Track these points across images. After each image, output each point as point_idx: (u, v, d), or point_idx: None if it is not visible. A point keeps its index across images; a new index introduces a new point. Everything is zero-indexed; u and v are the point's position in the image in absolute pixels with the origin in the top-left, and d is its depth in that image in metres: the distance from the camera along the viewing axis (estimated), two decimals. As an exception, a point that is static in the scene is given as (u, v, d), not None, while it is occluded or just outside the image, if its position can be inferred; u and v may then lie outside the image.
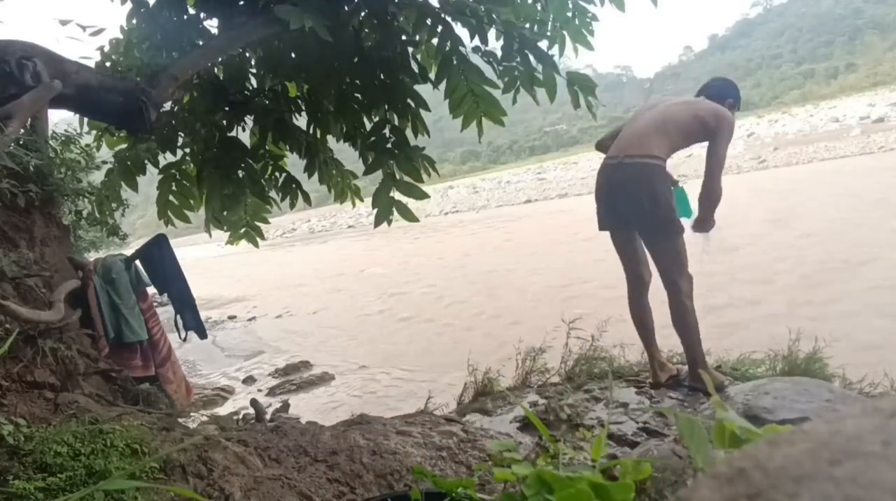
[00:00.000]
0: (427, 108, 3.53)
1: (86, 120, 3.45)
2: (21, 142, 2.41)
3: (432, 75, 3.45)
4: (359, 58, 3.49)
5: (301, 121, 3.94)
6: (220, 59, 3.72)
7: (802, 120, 41.99)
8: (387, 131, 3.55)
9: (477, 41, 3.14)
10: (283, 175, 4.00)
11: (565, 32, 3.46)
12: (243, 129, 3.90)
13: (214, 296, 12.40)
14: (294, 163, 4.08)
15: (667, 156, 2.40)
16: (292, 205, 4.07)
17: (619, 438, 2.22)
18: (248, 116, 3.83)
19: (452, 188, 46.57)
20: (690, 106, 2.52)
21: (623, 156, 2.42)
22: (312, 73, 3.68)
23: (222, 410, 4.82)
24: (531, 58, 3.16)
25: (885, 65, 64.15)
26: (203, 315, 3.35)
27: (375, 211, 3.62)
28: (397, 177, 3.56)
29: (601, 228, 2.61)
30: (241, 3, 3.46)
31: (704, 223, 2.47)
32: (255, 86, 3.97)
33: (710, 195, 2.39)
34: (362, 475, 1.80)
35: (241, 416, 4.10)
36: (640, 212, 2.38)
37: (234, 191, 3.79)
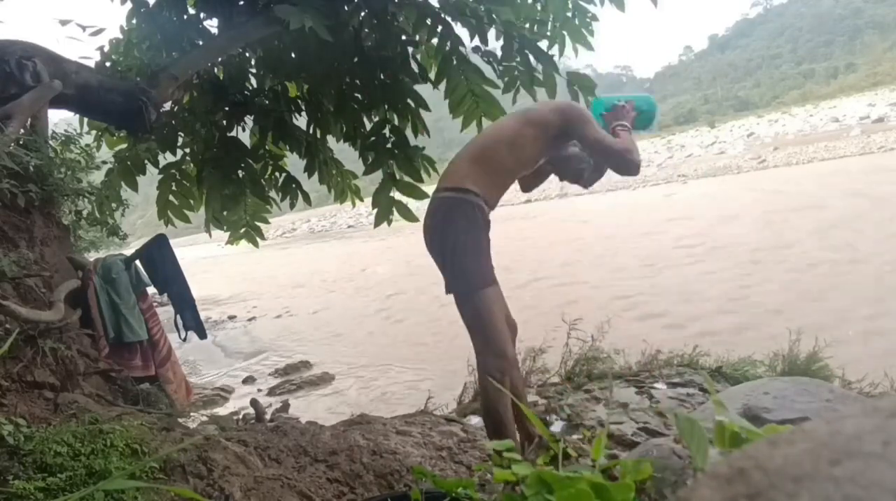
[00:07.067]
0: (427, 108, 3.52)
1: (86, 120, 3.45)
2: (21, 142, 2.40)
3: (432, 75, 3.45)
4: (359, 58, 3.49)
5: (301, 121, 3.94)
6: (220, 59, 3.72)
7: (802, 120, 42.02)
8: (387, 131, 3.55)
9: (477, 41, 3.14)
10: (283, 175, 4.00)
11: (565, 32, 3.46)
12: (243, 129, 3.90)
13: (214, 296, 12.40)
14: (294, 163, 4.08)
15: (487, 189, 1.79)
16: (292, 205, 4.07)
17: (619, 438, 2.22)
18: (248, 116, 3.83)
19: (452, 188, 46.39)
20: (518, 115, 1.98)
21: (436, 191, 1.87)
22: (312, 73, 3.68)
23: (222, 410, 4.82)
24: (531, 58, 3.16)
25: (885, 65, 64.11)
26: (203, 315, 3.35)
27: (375, 211, 3.62)
28: (397, 177, 3.56)
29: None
30: (241, 3, 3.46)
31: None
32: (255, 86, 3.97)
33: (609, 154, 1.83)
34: (362, 475, 1.80)
35: (241, 416, 4.10)
36: (438, 258, 1.82)
37: (234, 191, 3.78)
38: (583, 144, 1.88)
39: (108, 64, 3.36)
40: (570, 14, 3.42)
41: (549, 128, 1.84)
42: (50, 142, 2.75)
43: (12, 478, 1.26)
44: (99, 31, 3.33)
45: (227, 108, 3.81)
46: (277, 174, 4.01)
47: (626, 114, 1.97)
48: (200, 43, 3.56)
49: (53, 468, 1.32)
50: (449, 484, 0.80)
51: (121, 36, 3.49)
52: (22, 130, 2.49)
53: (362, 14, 3.51)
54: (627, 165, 1.81)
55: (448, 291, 1.78)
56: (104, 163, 3.43)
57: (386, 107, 3.54)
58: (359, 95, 3.62)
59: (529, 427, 1.92)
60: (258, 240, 4.14)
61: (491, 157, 1.83)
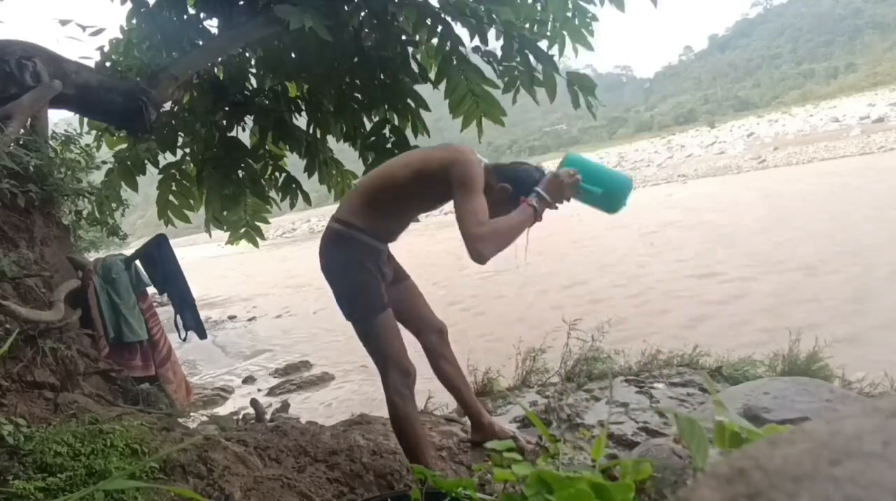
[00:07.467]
0: (427, 108, 3.52)
1: (86, 120, 3.45)
2: (21, 142, 2.40)
3: (432, 75, 3.45)
4: (359, 58, 3.49)
5: (301, 121, 3.94)
6: (220, 59, 3.72)
7: (802, 120, 42.07)
8: (387, 131, 3.55)
9: (477, 41, 3.14)
10: (283, 175, 4.00)
11: (565, 32, 3.46)
12: (243, 129, 3.90)
13: (214, 296, 12.40)
14: (294, 163, 4.08)
15: (375, 222, 1.77)
16: (292, 205, 4.07)
17: (619, 438, 2.22)
18: (248, 116, 3.83)
19: (452, 188, 46.41)
20: (409, 154, 1.90)
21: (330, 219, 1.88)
22: (312, 73, 3.68)
23: (222, 410, 4.81)
24: (531, 58, 3.16)
25: (885, 65, 64.17)
26: (203, 315, 3.34)
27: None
28: (397, 177, 3.56)
29: None
30: (241, 3, 3.47)
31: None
32: (255, 86, 3.97)
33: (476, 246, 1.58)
34: (362, 475, 1.80)
35: (241, 416, 4.10)
36: (331, 287, 1.84)
37: (234, 191, 3.79)
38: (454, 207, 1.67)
39: (108, 64, 3.36)
40: (570, 14, 3.42)
41: (431, 176, 1.70)
42: (50, 142, 2.75)
43: (12, 478, 1.26)
44: (99, 31, 3.33)
45: (227, 108, 3.81)
46: (277, 174, 4.01)
47: (557, 188, 1.67)
48: (200, 43, 3.56)
49: (53, 468, 1.32)
50: (449, 484, 0.80)
51: (121, 36, 3.49)
52: (22, 130, 2.49)
53: (362, 14, 3.51)
54: (471, 251, 1.58)
55: (346, 319, 1.84)
56: (104, 163, 3.43)
57: (386, 107, 3.54)
58: (359, 95, 3.62)
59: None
60: (258, 239, 4.14)
61: (376, 197, 1.77)
